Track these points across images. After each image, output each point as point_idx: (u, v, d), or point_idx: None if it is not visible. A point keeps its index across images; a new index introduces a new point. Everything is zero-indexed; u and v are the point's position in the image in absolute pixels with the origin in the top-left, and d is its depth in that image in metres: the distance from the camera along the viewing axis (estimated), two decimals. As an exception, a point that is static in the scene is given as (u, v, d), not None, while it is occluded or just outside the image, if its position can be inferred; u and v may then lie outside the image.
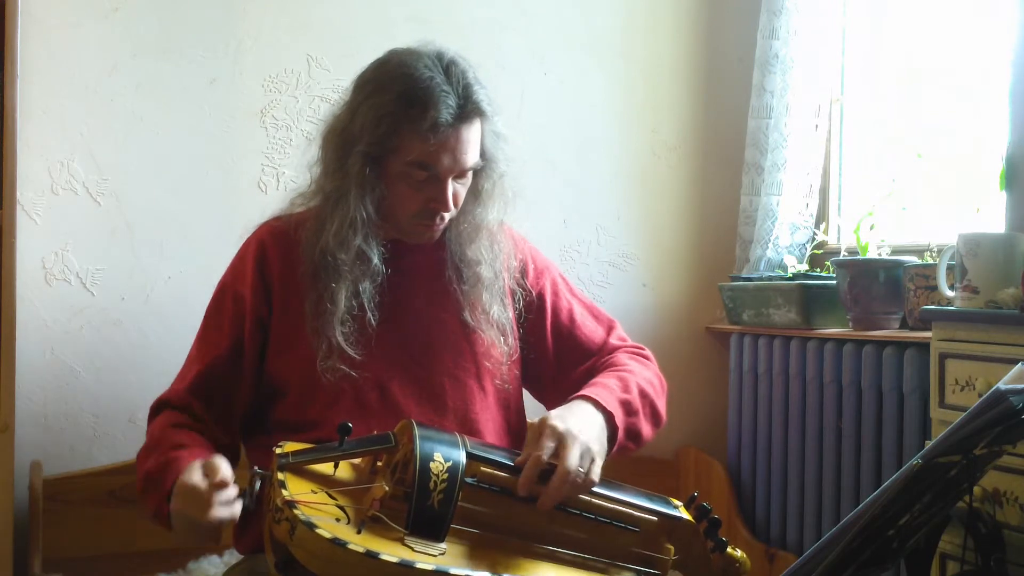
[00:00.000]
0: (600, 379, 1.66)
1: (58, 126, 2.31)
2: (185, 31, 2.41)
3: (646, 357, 1.79)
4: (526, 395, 1.82)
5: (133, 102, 2.37)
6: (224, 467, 1.36)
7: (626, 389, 1.64)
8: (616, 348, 1.79)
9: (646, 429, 1.66)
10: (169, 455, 1.49)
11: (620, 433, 1.58)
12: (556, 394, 1.77)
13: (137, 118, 2.38)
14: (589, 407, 1.56)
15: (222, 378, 1.63)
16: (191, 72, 2.42)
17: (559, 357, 1.78)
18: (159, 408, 1.63)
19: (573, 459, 1.43)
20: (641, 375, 1.71)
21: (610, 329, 1.82)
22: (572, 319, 1.79)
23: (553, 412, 1.51)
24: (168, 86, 2.40)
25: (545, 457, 1.43)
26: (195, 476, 1.36)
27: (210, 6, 2.43)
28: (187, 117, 2.41)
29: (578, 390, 1.68)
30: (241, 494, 1.37)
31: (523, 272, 1.76)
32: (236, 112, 2.46)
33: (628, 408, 1.62)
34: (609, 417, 1.57)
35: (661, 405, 1.71)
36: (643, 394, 1.67)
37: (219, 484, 1.34)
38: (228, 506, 1.35)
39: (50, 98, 2.30)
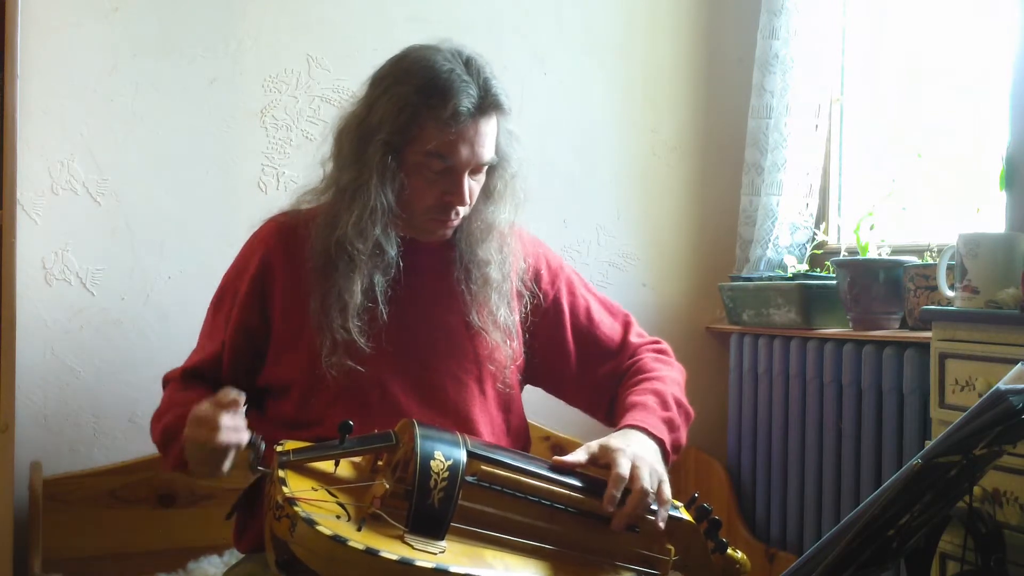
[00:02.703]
0: (638, 399, 1.67)
1: (58, 126, 2.31)
2: (185, 31, 2.41)
3: (665, 352, 1.81)
4: (526, 397, 1.82)
5: (133, 102, 2.37)
6: (234, 392, 1.38)
7: (664, 405, 1.66)
8: (638, 347, 1.80)
9: (684, 436, 1.70)
10: (185, 409, 1.51)
11: (670, 455, 1.62)
12: (580, 393, 1.79)
13: (137, 118, 2.38)
14: (641, 435, 1.58)
15: (216, 374, 1.65)
16: (191, 72, 2.42)
17: (581, 357, 1.78)
18: (169, 380, 1.69)
19: (645, 480, 1.46)
20: (670, 379, 1.73)
21: (626, 325, 1.83)
22: (590, 317, 1.79)
23: (613, 441, 1.53)
24: (168, 86, 2.40)
25: (626, 475, 1.46)
26: (205, 404, 1.39)
27: (210, 6, 2.43)
28: (187, 117, 2.41)
29: (604, 390, 1.74)
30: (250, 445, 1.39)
31: (536, 277, 1.76)
32: (236, 112, 2.46)
33: (671, 425, 1.65)
34: (660, 442, 1.60)
35: (688, 405, 1.74)
36: (678, 403, 1.70)
37: (228, 405, 1.36)
38: (235, 432, 1.37)
39: (50, 98, 2.30)
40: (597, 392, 1.78)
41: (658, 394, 1.68)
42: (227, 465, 1.39)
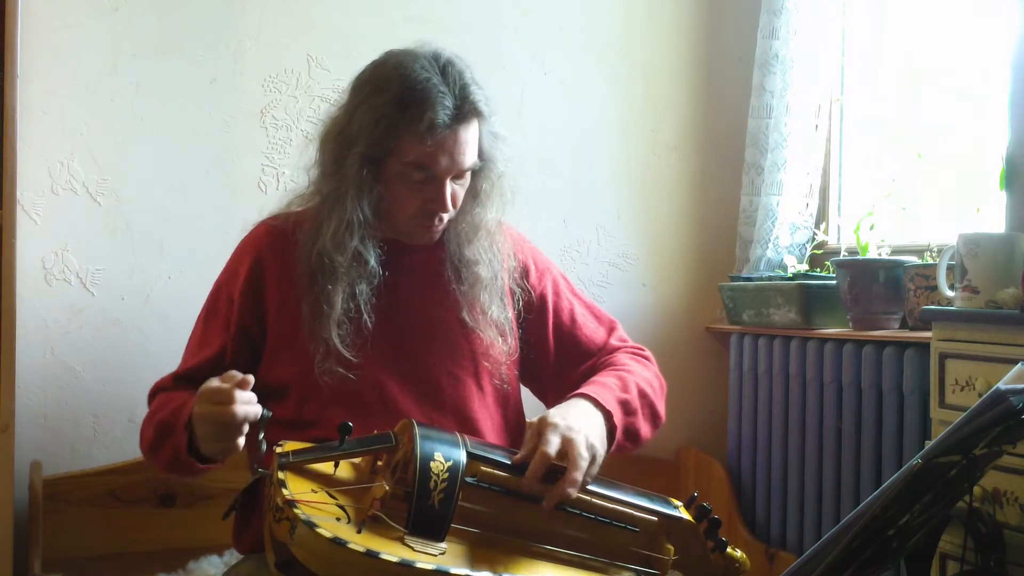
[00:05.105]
0: (599, 378, 1.66)
1: (58, 126, 2.31)
2: (185, 31, 2.41)
3: (646, 358, 1.79)
4: (526, 394, 1.82)
5: (133, 102, 2.37)
6: (240, 374, 1.36)
7: (625, 388, 1.64)
8: (616, 348, 1.79)
9: (644, 429, 1.66)
10: (181, 401, 1.51)
11: (618, 432, 1.58)
12: (556, 393, 1.77)
13: (137, 118, 2.38)
14: (588, 405, 1.56)
15: (214, 375, 1.63)
16: (191, 72, 2.42)
17: (560, 357, 1.78)
18: (156, 392, 1.66)
19: (581, 456, 1.44)
20: (640, 375, 1.71)
21: (611, 330, 1.82)
22: (573, 319, 1.79)
23: (553, 410, 1.51)
24: (168, 86, 2.40)
25: (552, 452, 1.43)
26: (215, 381, 1.37)
27: (210, 6, 2.43)
28: (187, 117, 2.41)
29: (578, 389, 1.68)
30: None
31: (524, 273, 1.76)
32: (236, 112, 2.46)
33: (627, 407, 1.62)
34: (608, 416, 1.57)
35: (660, 406, 1.71)
36: (642, 394, 1.67)
37: (240, 383, 1.34)
38: (249, 404, 1.35)
39: (50, 98, 2.30)
40: (571, 391, 1.76)
41: (620, 379, 1.66)
42: (242, 440, 1.36)
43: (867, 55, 2.79)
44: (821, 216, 2.81)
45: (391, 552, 1.27)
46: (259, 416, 1.36)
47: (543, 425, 1.47)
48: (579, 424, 1.48)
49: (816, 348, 2.44)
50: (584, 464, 1.44)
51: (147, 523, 2.29)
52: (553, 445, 1.44)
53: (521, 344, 1.76)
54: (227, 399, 1.34)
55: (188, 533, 2.29)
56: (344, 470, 1.41)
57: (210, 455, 1.45)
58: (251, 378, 1.36)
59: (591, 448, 1.47)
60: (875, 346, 2.27)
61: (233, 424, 1.34)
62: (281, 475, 1.33)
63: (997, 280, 1.80)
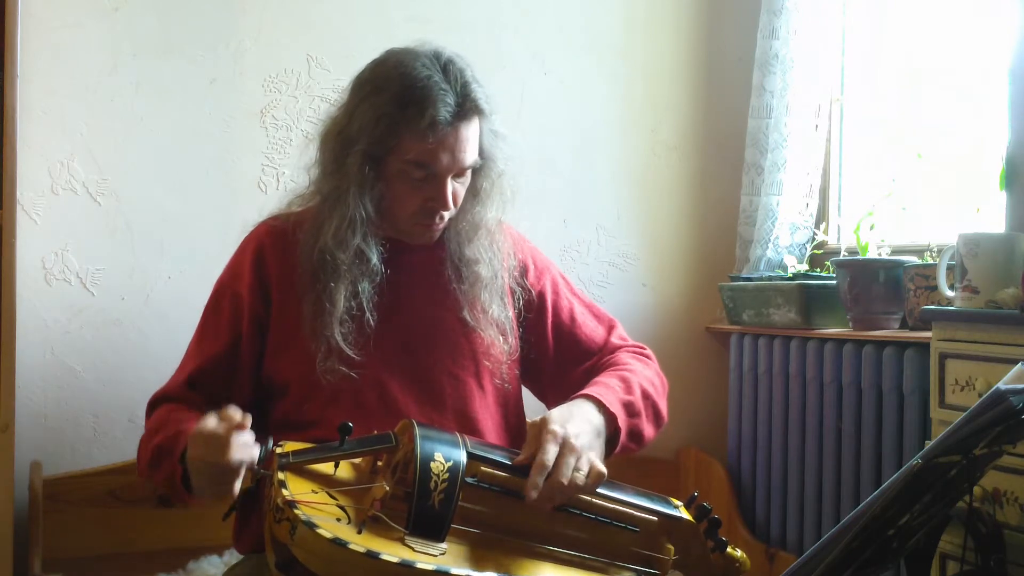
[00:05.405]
0: (602, 379, 1.65)
1: (58, 126, 2.31)
2: (185, 31, 2.41)
3: (647, 356, 1.79)
4: (526, 394, 1.82)
5: (133, 102, 2.37)
6: (239, 413, 1.33)
7: (628, 390, 1.63)
8: (617, 347, 1.78)
9: (648, 430, 1.66)
10: (180, 427, 1.49)
11: (622, 435, 1.58)
12: (556, 393, 1.77)
13: (137, 118, 2.38)
14: (591, 407, 1.55)
15: (219, 376, 1.63)
16: (191, 72, 2.42)
17: (559, 356, 1.77)
18: (156, 403, 1.64)
19: (568, 465, 1.43)
20: (643, 375, 1.70)
21: (611, 329, 1.81)
22: (573, 318, 1.79)
23: (554, 413, 1.50)
24: (168, 86, 2.40)
25: (550, 460, 1.42)
26: (211, 423, 1.33)
27: (210, 6, 2.43)
28: (187, 117, 2.42)
29: (579, 389, 1.67)
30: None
31: (524, 272, 1.76)
32: (236, 112, 2.46)
33: (630, 409, 1.61)
34: (611, 418, 1.56)
35: (663, 405, 1.71)
36: (645, 395, 1.66)
37: (236, 426, 1.32)
38: (246, 448, 1.33)
39: (50, 98, 2.30)
40: (572, 391, 1.76)
41: (623, 379, 1.65)
42: (238, 485, 1.34)
43: (867, 55, 2.79)
44: (821, 216, 2.81)
45: (391, 553, 1.27)
46: (255, 460, 1.34)
47: (544, 429, 1.47)
48: (577, 431, 1.47)
49: (816, 348, 2.44)
50: (568, 472, 1.42)
51: (147, 523, 2.29)
52: (551, 453, 1.43)
53: (521, 343, 1.76)
54: (222, 446, 1.31)
55: (188, 533, 2.29)
56: (344, 470, 1.41)
57: (199, 498, 1.43)
58: (249, 419, 1.33)
59: (585, 456, 1.45)
60: (875, 346, 2.27)
61: (229, 470, 1.32)
62: (281, 475, 1.33)
63: (997, 280, 1.80)
